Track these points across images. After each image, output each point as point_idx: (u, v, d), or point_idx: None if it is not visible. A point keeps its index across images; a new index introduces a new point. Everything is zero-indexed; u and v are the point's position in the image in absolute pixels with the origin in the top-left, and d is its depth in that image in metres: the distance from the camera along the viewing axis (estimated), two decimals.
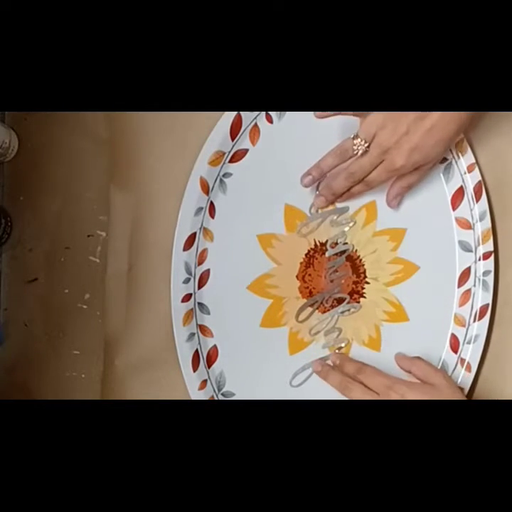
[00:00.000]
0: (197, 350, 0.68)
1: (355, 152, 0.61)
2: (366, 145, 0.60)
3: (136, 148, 0.71)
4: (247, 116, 0.67)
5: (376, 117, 0.60)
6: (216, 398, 0.68)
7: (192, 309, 0.68)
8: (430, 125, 0.58)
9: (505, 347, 0.63)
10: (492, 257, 0.63)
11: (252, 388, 0.68)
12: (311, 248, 0.67)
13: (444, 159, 0.64)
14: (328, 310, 0.67)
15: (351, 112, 0.61)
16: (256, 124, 0.67)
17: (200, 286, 0.69)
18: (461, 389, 0.62)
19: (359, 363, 0.65)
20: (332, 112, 0.61)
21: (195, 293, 0.69)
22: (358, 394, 0.62)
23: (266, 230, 0.68)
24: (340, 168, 0.63)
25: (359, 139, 0.60)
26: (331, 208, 0.67)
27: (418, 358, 0.63)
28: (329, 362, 0.66)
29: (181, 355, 0.68)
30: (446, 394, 0.60)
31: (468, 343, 0.63)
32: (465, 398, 0.61)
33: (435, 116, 0.58)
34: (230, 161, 0.68)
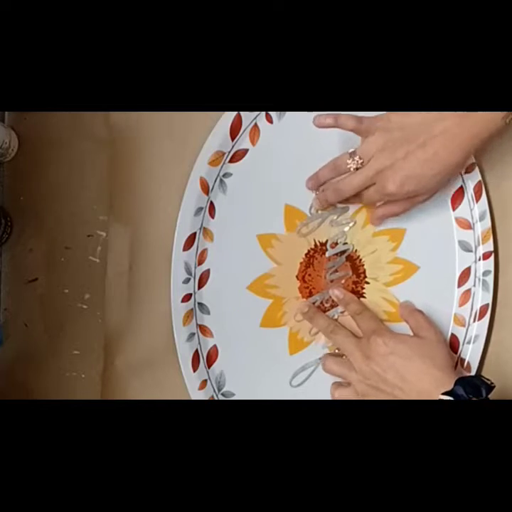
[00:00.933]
0: (197, 350, 0.68)
1: (348, 166, 0.60)
2: (361, 162, 0.59)
3: (136, 149, 0.71)
4: (247, 116, 0.67)
5: (377, 139, 0.58)
6: (216, 398, 0.68)
7: (192, 309, 0.68)
8: (430, 155, 0.56)
9: (505, 347, 0.63)
10: (492, 257, 0.63)
11: (252, 388, 0.68)
12: (311, 248, 0.67)
13: None
14: (328, 310, 0.67)
15: (350, 127, 0.60)
16: (256, 124, 0.67)
17: (200, 286, 0.69)
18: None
19: (362, 305, 0.65)
20: (332, 122, 0.60)
21: (195, 293, 0.69)
22: (342, 338, 0.63)
23: (266, 230, 0.68)
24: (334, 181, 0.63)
25: (357, 157, 0.60)
26: (331, 207, 0.67)
27: (420, 311, 0.64)
28: (333, 294, 0.66)
29: (181, 355, 0.68)
30: (433, 349, 0.60)
31: (468, 343, 0.63)
32: (452, 356, 0.61)
33: (436, 146, 0.56)
34: (230, 161, 0.68)
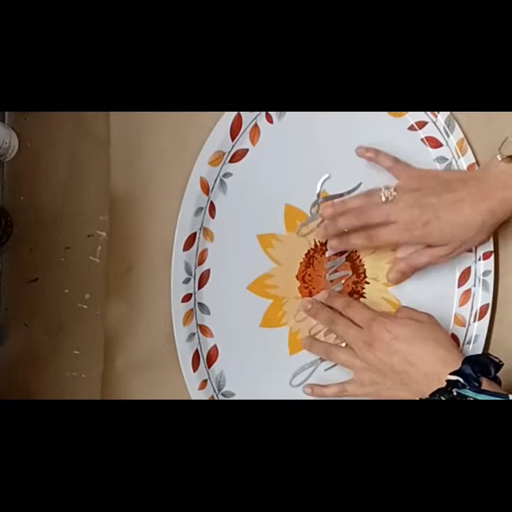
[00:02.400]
0: (197, 350, 0.68)
1: (380, 195, 0.61)
2: (394, 194, 0.61)
3: (136, 148, 0.71)
4: (247, 116, 0.67)
5: (413, 181, 0.61)
6: (216, 398, 0.68)
7: (192, 309, 0.68)
8: (458, 207, 0.58)
9: (505, 347, 0.63)
10: (492, 257, 0.63)
11: (252, 388, 0.68)
12: (311, 248, 0.67)
13: (444, 159, 0.64)
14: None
15: (386, 165, 0.63)
16: (256, 124, 0.68)
17: (200, 286, 0.69)
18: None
19: (347, 297, 0.65)
20: (372, 156, 0.63)
21: (195, 293, 0.69)
22: (342, 328, 0.63)
23: (266, 230, 0.68)
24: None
25: (392, 189, 0.61)
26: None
27: (403, 306, 0.64)
28: (318, 297, 0.66)
29: (181, 355, 0.68)
30: (434, 331, 0.60)
31: (468, 343, 0.63)
32: (448, 336, 0.61)
33: (466, 201, 0.58)
34: (230, 161, 0.68)
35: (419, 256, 0.62)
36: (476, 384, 0.53)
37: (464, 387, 0.53)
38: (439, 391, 0.54)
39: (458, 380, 0.53)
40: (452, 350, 0.58)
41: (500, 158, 0.58)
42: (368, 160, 0.64)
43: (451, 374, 0.54)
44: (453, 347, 0.59)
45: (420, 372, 0.58)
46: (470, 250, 0.63)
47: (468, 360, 0.55)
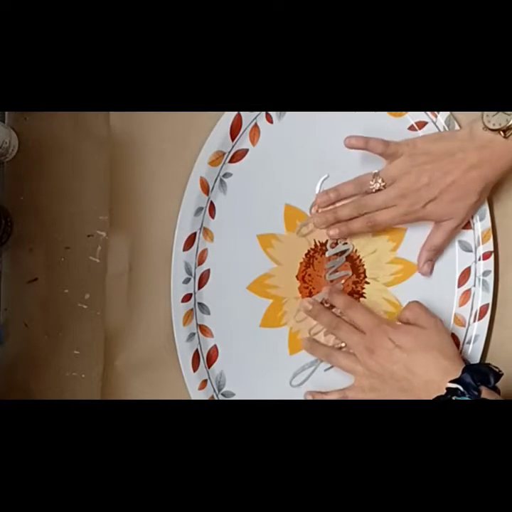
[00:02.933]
0: (197, 350, 0.68)
1: (371, 187, 0.62)
2: (383, 184, 0.61)
3: (136, 148, 0.71)
4: (247, 116, 0.67)
5: (402, 163, 0.61)
6: (216, 398, 0.68)
7: (192, 309, 0.68)
8: (450, 181, 0.59)
9: (505, 347, 0.63)
10: (492, 257, 0.63)
11: (252, 388, 0.68)
12: (311, 248, 0.67)
13: None
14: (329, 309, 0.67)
15: (378, 151, 0.62)
16: (256, 124, 0.68)
17: (200, 286, 0.69)
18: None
19: (348, 297, 0.65)
20: (362, 145, 0.62)
21: (195, 293, 0.69)
22: (345, 333, 0.63)
23: (266, 230, 0.68)
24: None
25: (380, 179, 0.61)
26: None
27: (415, 302, 0.63)
28: (318, 298, 0.66)
29: (181, 355, 0.68)
30: (437, 339, 0.60)
31: (468, 343, 0.63)
32: (452, 343, 0.61)
33: (457, 174, 0.59)
34: (230, 161, 0.68)
35: (434, 238, 0.63)
36: (476, 393, 0.53)
37: (463, 395, 0.53)
38: (438, 399, 0.54)
39: (457, 388, 0.54)
40: (454, 360, 0.58)
41: (484, 129, 0.58)
42: (358, 149, 0.63)
43: (451, 382, 0.54)
44: (455, 356, 0.59)
45: (421, 381, 0.58)
46: (470, 250, 0.63)
47: (469, 369, 0.55)
